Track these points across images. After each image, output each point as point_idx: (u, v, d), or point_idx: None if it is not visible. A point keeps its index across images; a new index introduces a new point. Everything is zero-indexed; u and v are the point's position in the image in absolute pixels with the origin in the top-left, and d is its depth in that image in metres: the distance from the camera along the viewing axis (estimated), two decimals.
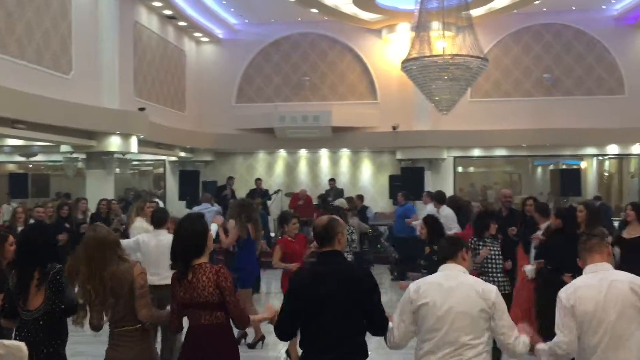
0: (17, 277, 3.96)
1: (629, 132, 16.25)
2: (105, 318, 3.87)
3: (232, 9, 16.74)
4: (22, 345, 4.06)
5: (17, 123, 9.86)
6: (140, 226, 6.90)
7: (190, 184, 15.56)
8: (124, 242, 6.23)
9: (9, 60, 10.01)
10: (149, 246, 5.94)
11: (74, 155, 14.32)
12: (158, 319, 3.93)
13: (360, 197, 13.52)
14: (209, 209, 11.88)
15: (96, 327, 3.89)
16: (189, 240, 3.60)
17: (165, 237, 5.74)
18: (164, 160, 18.13)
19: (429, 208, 10.02)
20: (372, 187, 17.94)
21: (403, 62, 9.79)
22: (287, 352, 6.44)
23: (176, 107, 16.96)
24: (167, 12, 15.31)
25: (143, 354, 3.82)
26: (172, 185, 17.74)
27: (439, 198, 9.41)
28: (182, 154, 17.18)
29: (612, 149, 17.15)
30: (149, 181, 19.39)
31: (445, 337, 3.19)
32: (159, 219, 6.05)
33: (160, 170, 18.77)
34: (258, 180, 15.54)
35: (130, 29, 14.05)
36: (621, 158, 17.74)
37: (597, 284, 3.30)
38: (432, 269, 3.59)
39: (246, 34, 18.03)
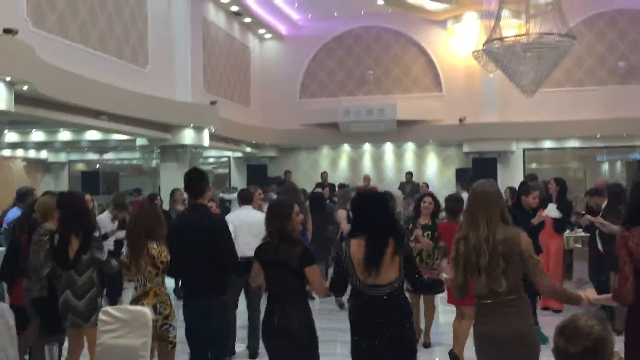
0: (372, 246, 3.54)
1: None
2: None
3: (296, 4, 16.76)
4: (147, 310, 4.07)
5: (100, 114, 10.08)
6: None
7: (258, 179, 15.61)
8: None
9: (92, 53, 10.26)
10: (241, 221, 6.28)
11: (146, 150, 14.59)
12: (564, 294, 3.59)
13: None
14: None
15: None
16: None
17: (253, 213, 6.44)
18: (229, 157, 18.29)
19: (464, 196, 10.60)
20: (438, 180, 17.60)
21: (485, 44, 9.53)
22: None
23: (242, 103, 17.10)
24: (234, 8, 15.45)
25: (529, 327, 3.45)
26: (237, 181, 17.85)
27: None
28: (248, 150, 17.28)
29: None
30: (214, 177, 19.56)
31: None
32: (244, 197, 6.64)
33: (225, 167, 18.94)
34: (324, 173, 15.50)
35: (199, 25, 14.23)
36: None
37: None
38: None
39: (309, 29, 18.03)
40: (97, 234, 5.31)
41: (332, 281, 3.72)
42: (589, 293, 3.41)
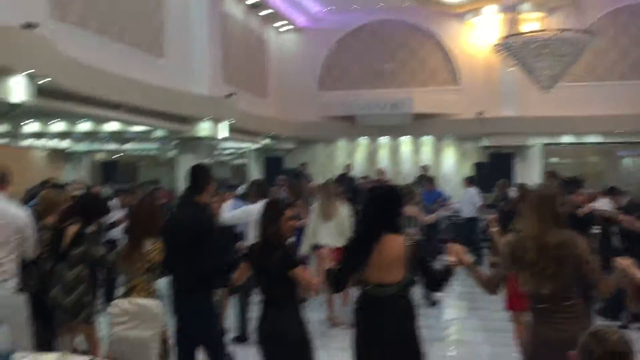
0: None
1: None
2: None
3: None
4: (157, 302, 4.14)
5: (119, 106, 10.20)
6: None
7: (275, 171, 15.67)
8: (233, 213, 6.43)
9: (111, 45, 10.37)
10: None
11: (164, 141, 14.70)
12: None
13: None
14: None
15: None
16: None
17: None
18: (247, 148, 18.37)
19: (470, 191, 11.46)
20: (455, 175, 17.50)
21: (503, 39, 9.46)
22: None
23: (259, 95, 17.15)
24: (252, 0, 15.47)
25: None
26: (254, 174, 17.94)
27: None
28: (265, 142, 17.34)
29: None
30: (230, 170, 19.61)
31: None
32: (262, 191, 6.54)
33: (243, 158, 19.01)
34: (348, 164, 15.54)
35: (217, 17, 14.27)
36: None
37: None
38: None
39: (327, 22, 18.01)
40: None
41: (333, 273, 3.50)
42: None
